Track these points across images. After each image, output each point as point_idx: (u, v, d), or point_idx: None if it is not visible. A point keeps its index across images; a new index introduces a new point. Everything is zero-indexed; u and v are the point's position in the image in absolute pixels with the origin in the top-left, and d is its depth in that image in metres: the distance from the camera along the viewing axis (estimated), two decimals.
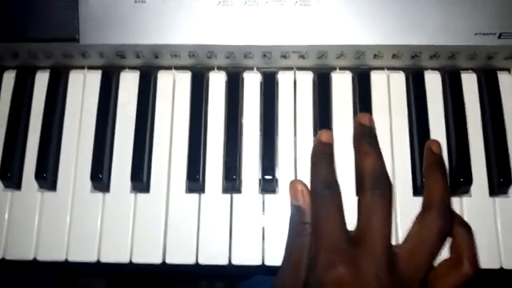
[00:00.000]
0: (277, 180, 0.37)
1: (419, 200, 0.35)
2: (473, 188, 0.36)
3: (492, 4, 0.35)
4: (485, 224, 0.35)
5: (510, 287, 0.38)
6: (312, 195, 0.31)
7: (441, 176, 0.31)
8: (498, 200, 0.36)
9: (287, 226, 0.35)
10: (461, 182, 0.35)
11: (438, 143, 0.33)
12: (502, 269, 0.35)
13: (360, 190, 0.30)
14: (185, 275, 0.42)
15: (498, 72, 0.38)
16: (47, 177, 0.37)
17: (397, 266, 0.28)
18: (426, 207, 0.30)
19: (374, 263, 0.27)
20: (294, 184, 0.32)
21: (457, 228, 0.31)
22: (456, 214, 0.33)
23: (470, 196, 0.36)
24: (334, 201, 0.30)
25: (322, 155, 0.31)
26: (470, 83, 0.38)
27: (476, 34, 0.36)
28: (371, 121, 0.33)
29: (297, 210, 0.31)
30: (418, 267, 0.28)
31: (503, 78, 0.38)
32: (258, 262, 0.35)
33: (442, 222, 0.29)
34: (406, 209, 0.36)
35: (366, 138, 0.32)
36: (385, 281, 0.27)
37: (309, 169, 0.36)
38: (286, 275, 0.30)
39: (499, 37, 0.36)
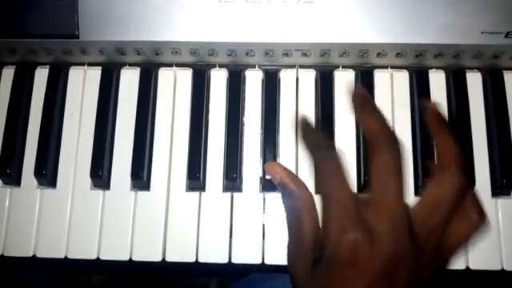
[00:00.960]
0: None
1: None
2: (475, 189, 0.36)
3: (498, 2, 0.35)
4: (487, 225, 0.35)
5: None
6: (313, 160, 0.29)
7: (449, 132, 0.30)
8: (501, 201, 0.36)
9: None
10: None
11: (432, 102, 0.33)
12: (503, 270, 0.34)
13: (370, 151, 0.28)
14: (184, 273, 0.42)
15: (504, 71, 0.38)
16: (47, 173, 0.37)
17: (414, 228, 0.26)
18: (441, 166, 0.28)
19: (390, 226, 0.26)
20: (266, 166, 0.31)
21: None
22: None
23: None
24: (335, 163, 0.28)
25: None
26: (474, 83, 0.38)
27: (482, 33, 0.35)
28: (365, 91, 0.31)
29: (280, 187, 0.30)
30: (435, 228, 0.27)
31: (509, 78, 0.38)
32: (258, 261, 0.35)
33: (463, 178, 0.28)
34: None
35: (365, 102, 0.30)
36: (402, 243, 0.25)
37: (310, 168, 0.36)
38: (293, 250, 0.29)
39: (506, 36, 0.35)
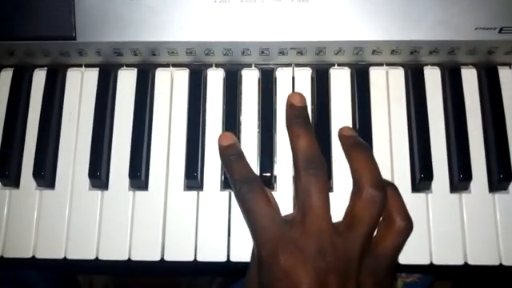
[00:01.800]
0: (275, 177, 0.36)
1: (418, 196, 0.36)
2: (472, 184, 0.36)
3: None
4: (484, 220, 0.35)
5: (509, 284, 0.37)
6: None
7: (362, 152, 0.32)
8: (498, 196, 0.36)
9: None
10: (460, 178, 0.35)
11: (347, 128, 0.35)
12: (501, 265, 0.34)
13: (295, 171, 0.31)
14: (184, 273, 0.42)
15: (499, 67, 0.38)
16: (45, 175, 0.37)
17: (338, 240, 0.29)
18: (357, 184, 0.31)
19: (314, 240, 0.28)
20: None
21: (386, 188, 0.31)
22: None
23: (470, 192, 0.36)
24: (258, 188, 0.31)
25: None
26: (470, 79, 0.38)
27: (476, 29, 0.35)
28: (302, 100, 0.34)
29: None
30: (358, 238, 0.29)
31: (504, 73, 0.38)
32: None
33: (381, 197, 0.30)
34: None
35: (296, 119, 0.33)
36: (328, 255, 0.28)
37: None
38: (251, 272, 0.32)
39: (500, 31, 0.35)
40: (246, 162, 0.33)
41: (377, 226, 0.30)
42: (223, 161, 0.34)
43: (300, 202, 0.30)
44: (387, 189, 0.31)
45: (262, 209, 0.30)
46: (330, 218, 0.29)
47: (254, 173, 0.32)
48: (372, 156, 0.32)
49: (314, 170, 0.30)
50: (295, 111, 0.33)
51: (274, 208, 0.30)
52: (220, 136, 0.34)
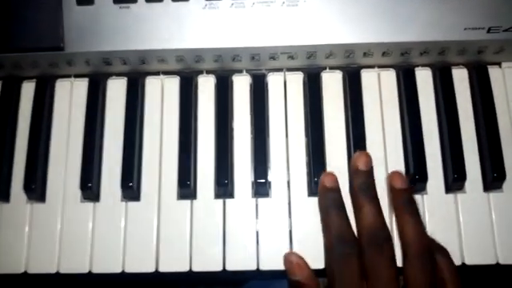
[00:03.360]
0: (270, 183, 0.36)
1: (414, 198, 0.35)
2: (467, 184, 0.36)
3: None
4: (480, 220, 0.35)
5: (506, 282, 0.37)
6: (327, 249, 0.30)
7: (410, 215, 0.31)
8: (493, 195, 0.36)
9: (281, 230, 0.35)
10: (455, 178, 0.35)
11: (398, 174, 0.32)
12: (498, 264, 0.34)
13: (361, 245, 0.30)
14: (179, 282, 0.42)
15: (489, 66, 0.38)
16: (36, 188, 0.36)
17: None
18: (403, 252, 0.30)
19: None
20: (289, 257, 0.31)
21: (435, 254, 0.31)
22: (432, 239, 0.32)
23: (465, 192, 0.36)
24: (348, 258, 0.29)
25: (330, 202, 0.31)
26: (461, 78, 0.38)
27: (465, 29, 0.35)
28: (367, 164, 0.32)
29: (297, 285, 0.30)
30: None
31: (494, 72, 0.38)
32: (253, 267, 0.35)
33: (421, 265, 0.29)
34: None
35: (361, 186, 0.31)
36: None
37: (301, 170, 0.36)
38: None
39: (488, 31, 0.35)
40: (346, 214, 0.31)
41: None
42: (322, 203, 0.31)
43: (371, 279, 0.29)
44: (437, 255, 0.31)
45: (351, 277, 0.29)
46: (399, 285, 0.29)
47: (352, 232, 0.30)
48: (420, 218, 0.31)
49: (386, 245, 0.29)
50: (361, 178, 0.31)
51: (360, 277, 0.29)
52: (324, 175, 0.32)
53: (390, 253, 0.30)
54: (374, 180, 0.32)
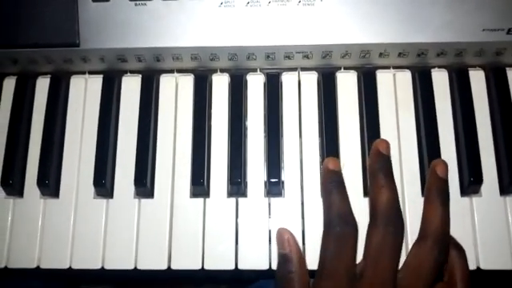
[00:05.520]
0: (283, 182, 0.36)
1: None
2: (483, 187, 0.35)
3: None
4: (496, 224, 0.35)
5: None
6: (324, 227, 0.30)
7: (440, 203, 0.30)
8: (509, 199, 0.35)
9: (294, 231, 0.35)
10: (471, 181, 0.35)
11: (443, 165, 0.32)
12: None
13: (372, 223, 0.30)
14: (191, 281, 0.42)
15: (507, 68, 0.38)
16: (49, 183, 0.36)
17: None
18: (422, 234, 0.30)
19: None
20: (281, 232, 0.31)
21: (450, 250, 0.31)
22: (452, 237, 0.32)
23: (481, 196, 0.35)
24: (346, 238, 0.29)
25: (333, 184, 0.31)
26: (478, 80, 0.38)
27: (484, 30, 0.35)
28: (388, 148, 0.32)
29: (283, 258, 0.31)
30: None
31: None
32: (265, 267, 0.35)
33: (438, 252, 0.29)
34: (415, 210, 0.35)
35: (381, 168, 0.31)
36: None
37: (314, 170, 0.36)
38: None
39: (508, 32, 0.35)
40: (347, 196, 0.31)
41: (433, 281, 0.30)
42: (324, 184, 0.31)
43: (372, 258, 0.29)
44: (453, 251, 0.31)
45: (346, 258, 0.29)
46: (396, 278, 0.29)
47: (352, 213, 0.30)
48: (448, 212, 0.31)
49: (393, 229, 0.29)
50: (381, 160, 0.31)
51: (354, 261, 0.30)
52: (328, 159, 0.32)
53: (401, 239, 0.30)
54: (391, 164, 0.32)
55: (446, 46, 0.36)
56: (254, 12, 0.36)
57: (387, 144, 0.32)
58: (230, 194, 0.36)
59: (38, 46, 0.37)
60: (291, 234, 0.31)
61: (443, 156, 0.36)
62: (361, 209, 0.34)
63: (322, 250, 0.30)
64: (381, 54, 0.37)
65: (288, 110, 0.38)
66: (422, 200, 0.35)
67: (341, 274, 0.29)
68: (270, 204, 0.36)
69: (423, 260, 0.29)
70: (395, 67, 0.38)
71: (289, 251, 0.30)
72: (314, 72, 0.38)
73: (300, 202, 0.36)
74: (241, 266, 0.34)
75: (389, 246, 0.29)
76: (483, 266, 0.34)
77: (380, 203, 0.30)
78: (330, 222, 0.30)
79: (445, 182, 0.31)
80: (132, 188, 0.36)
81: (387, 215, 0.30)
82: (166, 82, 0.39)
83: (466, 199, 0.35)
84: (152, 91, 0.38)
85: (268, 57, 0.37)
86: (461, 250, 0.31)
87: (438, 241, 0.29)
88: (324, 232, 0.30)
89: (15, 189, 0.37)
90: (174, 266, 0.35)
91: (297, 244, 0.31)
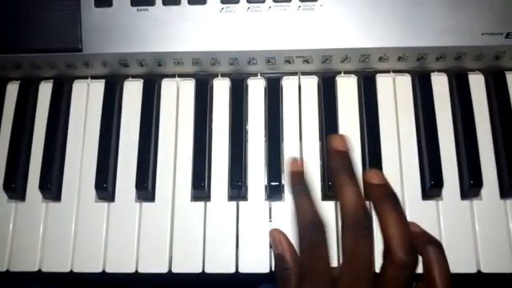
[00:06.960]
0: (283, 186, 0.36)
1: (429, 204, 0.35)
2: (483, 191, 0.35)
3: (498, 3, 0.35)
4: (496, 227, 0.35)
5: None
6: (297, 233, 0.31)
7: (392, 210, 0.30)
8: (510, 202, 0.35)
9: (295, 234, 0.35)
10: (471, 184, 0.35)
11: (377, 174, 0.31)
12: None
13: (344, 228, 0.30)
14: (191, 284, 0.42)
15: (506, 72, 0.38)
16: (51, 187, 0.37)
17: None
18: (388, 248, 0.29)
19: None
20: (272, 233, 0.33)
21: (426, 247, 0.30)
22: (424, 231, 0.32)
23: (481, 199, 0.35)
24: (319, 243, 0.30)
25: (298, 187, 0.31)
26: (477, 84, 0.38)
27: (483, 34, 0.35)
28: (343, 142, 0.31)
29: (278, 258, 0.32)
30: None
31: (511, 78, 0.38)
32: (266, 270, 0.35)
33: (404, 259, 0.28)
34: (416, 214, 0.35)
35: (339, 166, 0.31)
36: None
37: (315, 174, 0.36)
38: None
39: (506, 36, 0.35)
40: (312, 199, 0.31)
41: (409, 282, 0.29)
42: (290, 188, 0.31)
43: (348, 261, 0.29)
44: (433, 248, 0.30)
45: (321, 261, 0.29)
46: (371, 279, 0.29)
47: (319, 216, 0.30)
48: (402, 212, 0.30)
49: (364, 231, 0.29)
50: (337, 157, 0.31)
51: (328, 260, 0.30)
52: (290, 161, 0.32)
53: (372, 239, 0.30)
54: (352, 159, 0.31)
55: (446, 50, 0.36)
56: (255, 17, 0.36)
57: (342, 138, 0.31)
58: (231, 198, 0.36)
59: (41, 51, 0.37)
60: (283, 234, 0.32)
61: (443, 159, 0.36)
62: None
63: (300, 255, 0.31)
64: (380, 59, 0.37)
65: (288, 114, 0.38)
66: (422, 203, 0.35)
67: (319, 276, 0.29)
68: (270, 208, 0.36)
69: (398, 274, 0.29)
70: (395, 71, 0.38)
71: (281, 251, 0.31)
72: (314, 76, 0.39)
73: None
74: (241, 270, 0.35)
75: (362, 248, 0.29)
76: (484, 270, 0.34)
77: (347, 206, 0.30)
78: (300, 229, 0.30)
79: (388, 186, 0.31)
80: (133, 192, 0.36)
81: (355, 219, 0.29)
82: (168, 87, 0.39)
83: (466, 202, 0.35)
84: (153, 95, 0.39)
85: (268, 61, 0.38)
86: (438, 246, 0.31)
87: (401, 248, 0.29)
88: (298, 239, 0.31)
89: (17, 192, 0.37)
90: (174, 270, 0.35)
91: (289, 242, 0.32)
